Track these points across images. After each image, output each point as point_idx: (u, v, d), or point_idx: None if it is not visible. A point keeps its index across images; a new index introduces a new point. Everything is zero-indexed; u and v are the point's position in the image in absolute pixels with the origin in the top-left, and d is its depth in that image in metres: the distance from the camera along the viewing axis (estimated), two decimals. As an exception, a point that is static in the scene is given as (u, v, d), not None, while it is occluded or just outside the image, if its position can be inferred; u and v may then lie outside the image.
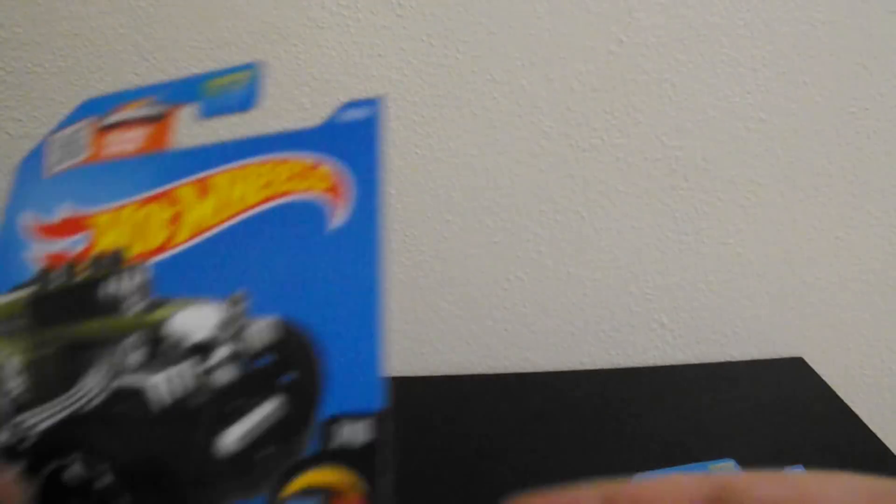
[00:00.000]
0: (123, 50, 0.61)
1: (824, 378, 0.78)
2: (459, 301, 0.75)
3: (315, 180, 0.22)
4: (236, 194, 0.23)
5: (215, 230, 0.23)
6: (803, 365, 0.80)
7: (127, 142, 0.25)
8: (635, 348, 0.80)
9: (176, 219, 0.23)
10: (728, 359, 0.82)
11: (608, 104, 0.67)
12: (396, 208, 0.70)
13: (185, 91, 0.26)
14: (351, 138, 0.22)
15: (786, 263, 0.77)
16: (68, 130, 0.27)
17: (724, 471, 0.61)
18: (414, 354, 0.78)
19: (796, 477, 0.16)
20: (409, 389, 0.73)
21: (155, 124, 0.25)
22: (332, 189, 0.22)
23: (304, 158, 0.23)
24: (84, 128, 0.27)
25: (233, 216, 0.23)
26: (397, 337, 0.77)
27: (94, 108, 0.27)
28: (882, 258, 0.78)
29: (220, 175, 0.23)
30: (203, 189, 0.23)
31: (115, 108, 0.27)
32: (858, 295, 0.80)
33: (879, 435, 0.68)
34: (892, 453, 0.65)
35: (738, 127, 0.69)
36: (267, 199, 0.22)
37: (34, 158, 0.27)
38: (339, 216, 0.21)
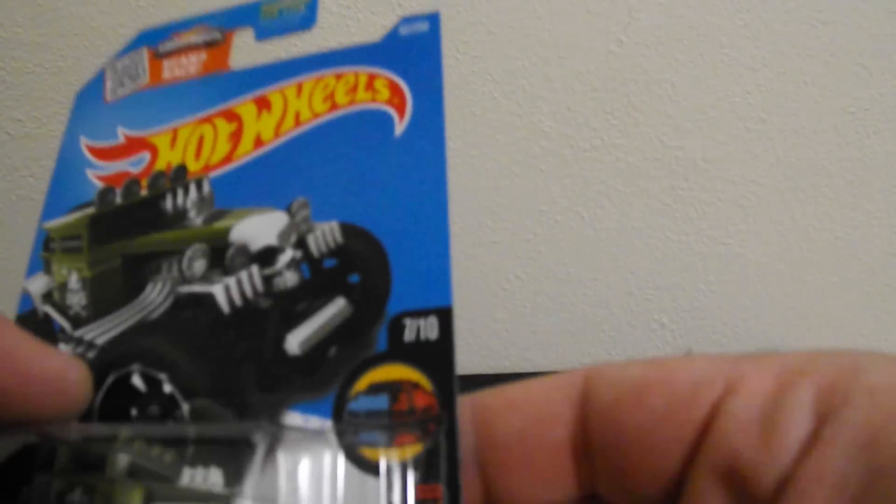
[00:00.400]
0: (123, 50, 0.61)
1: (824, 378, 0.78)
2: (460, 301, 0.75)
3: (376, 92, 0.22)
4: (296, 108, 0.23)
5: (276, 143, 0.23)
6: (803, 365, 0.80)
7: (185, 66, 0.26)
8: (635, 348, 0.80)
9: (236, 134, 0.23)
10: (728, 359, 0.82)
11: (608, 104, 0.67)
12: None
13: (241, 16, 0.26)
14: (411, 51, 0.22)
15: (786, 263, 0.77)
16: (125, 59, 0.27)
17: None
18: (414, 354, 0.78)
19: (662, 359, 0.17)
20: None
21: (213, 48, 0.26)
22: (395, 99, 0.22)
23: (364, 71, 0.23)
24: (142, 56, 0.27)
25: (293, 129, 0.23)
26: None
27: (150, 38, 0.27)
28: (882, 258, 0.78)
29: (279, 91, 0.23)
30: (262, 105, 0.23)
31: (171, 35, 0.27)
32: (858, 295, 0.80)
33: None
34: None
35: (738, 127, 0.69)
36: (328, 111, 0.22)
37: (92, 87, 0.27)
38: (402, 124, 0.21)
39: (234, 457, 0.18)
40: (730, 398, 0.15)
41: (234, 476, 0.17)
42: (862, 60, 0.68)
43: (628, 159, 0.70)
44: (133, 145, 0.24)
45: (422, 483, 0.16)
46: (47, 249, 0.23)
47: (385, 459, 0.17)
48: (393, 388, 0.18)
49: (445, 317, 0.18)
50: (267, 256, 0.20)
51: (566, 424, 0.17)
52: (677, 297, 0.78)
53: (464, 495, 0.16)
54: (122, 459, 0.18)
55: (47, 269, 0.22)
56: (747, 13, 0.65)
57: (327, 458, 0.17)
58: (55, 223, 0.23)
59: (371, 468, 0.17)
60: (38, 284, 0.22)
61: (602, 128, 0.68)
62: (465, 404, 0.18)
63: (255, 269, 0.20)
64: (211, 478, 0.17)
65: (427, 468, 0.17)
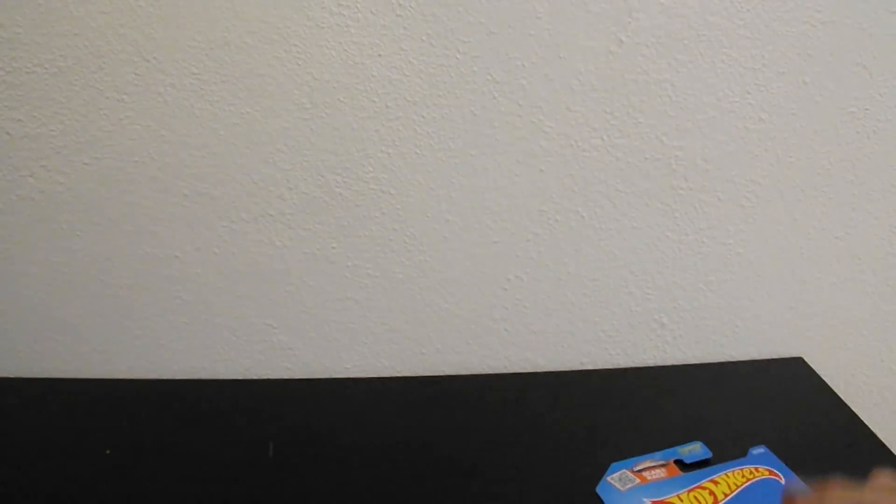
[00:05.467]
0: (123, 50, 0.61)
1: (824, 378, 0.78)
2: (459, 301, 0.75)
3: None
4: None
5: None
6: (803, 365, 0.80)
7: (657, 474, 0.60)
8: (635, 348, 0.80)
9: (712, 494, 0.57)
10: (728, 359, 0.82)
11: (608, 104, 0.67)
12: (396, 208, 0.70)
13: (669, 455, 0.62)
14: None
15: (786, 263, 0.77)
16: (618, 473, 0.60)
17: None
18: (414, 354, 0.78)
19: None
20: (409, 389, 0.73)
21: (665, 467, 0.61)
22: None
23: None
24: (626, 473, 0.60)
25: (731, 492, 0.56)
26: (397, 337, 0.77)
27: (625, 465, 0.61)
28: (882, 258, 0.78)
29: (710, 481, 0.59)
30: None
31: (638, 463, 0.61)
32: (858, 295, 0.80)
33: (880, 435, 0.68)
34: (892, 453, 0.65)
35: (738, 127, 0.69)
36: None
37: (604, 485, 0.59)
38: None
39: None
40: None
41: None
42: (862, 60, 0.68)
43: (628, 159, 0.70)
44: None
45: None
46: None
47: None
48: None
49: None
50: None
51: None
52: (677, 297, 0.78)
53: None
54: None
55: None
56: (747, 13, 0.64)
57: None
58: None
59: None
60: None
61: (602, 128, 0.68)
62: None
63: None
64: None
65: None
